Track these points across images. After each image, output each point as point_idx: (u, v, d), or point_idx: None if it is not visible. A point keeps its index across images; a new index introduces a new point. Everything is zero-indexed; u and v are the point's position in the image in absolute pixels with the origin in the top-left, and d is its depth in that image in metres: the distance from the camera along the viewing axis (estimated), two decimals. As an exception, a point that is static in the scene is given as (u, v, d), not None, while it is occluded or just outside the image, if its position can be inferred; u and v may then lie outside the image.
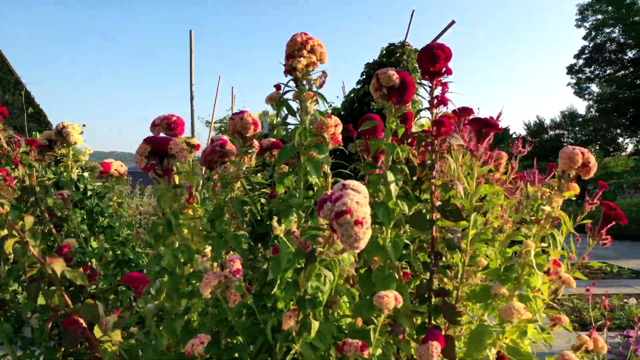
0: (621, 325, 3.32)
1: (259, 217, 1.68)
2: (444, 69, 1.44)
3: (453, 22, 3.57)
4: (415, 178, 1.48)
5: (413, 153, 1.66)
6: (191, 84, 4.24)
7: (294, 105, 1.42)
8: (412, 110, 4.57)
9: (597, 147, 26.02)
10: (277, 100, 1.40)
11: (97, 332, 1.57)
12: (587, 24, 24.60)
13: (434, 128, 1.40)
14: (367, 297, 1.46)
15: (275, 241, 1.54)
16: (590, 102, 25.59)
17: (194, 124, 4.34)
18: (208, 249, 1.66)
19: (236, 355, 1.47)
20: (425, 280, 1.52)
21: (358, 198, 0.95)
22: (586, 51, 24.88)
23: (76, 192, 1.92)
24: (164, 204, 1.44)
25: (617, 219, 1.54)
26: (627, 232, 8.52)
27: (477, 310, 1.66)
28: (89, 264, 1.83)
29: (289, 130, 1.41)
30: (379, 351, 1.47)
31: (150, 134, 1.63)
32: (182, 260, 1.46)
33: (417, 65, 5.33)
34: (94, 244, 1.99)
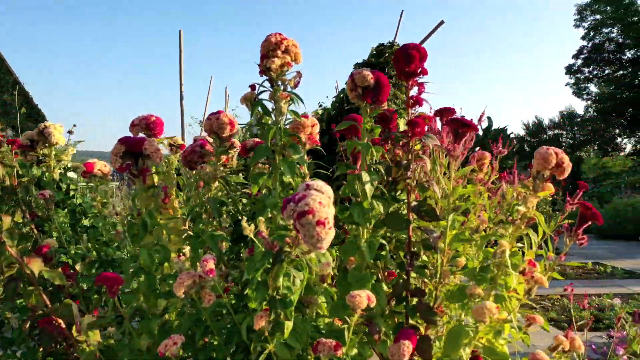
0: (610, 325, 3.32)
1: (240, 217, 1.68)
2: (420, 69, 1.44)
3: (442, 22, 3.58)
4: (391, 178, 1.48)
5: (397, 153, 1.67)
6: (181, 84, 4.24)
7: (271, 105, 1.42)
8: (403, 111, 4.54)
9: (596, 147, 26.02)
10: (251, 100, 1.40)
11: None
12: (585, 24, 24.58)
13: (409, 128, 1.40)
14: (344, 297, 1.46)
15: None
16: (589, 102, 25.58)
17: (184, 124, 4.36)
18: (187, 249, 1.67)
19: (213, 355, 1.47)
20: (401, 280, 1.52)
21: (321, 198, 0.96)
22: (585, 51, 24.86)
23: (58, 192, 1.92)
24: (140, 204, 1.45)
25: (593, 219, 1.55)
26: (624, 232, 8.51)
27: (457, 310, 1.67)
28: (71, 264, 1.83)
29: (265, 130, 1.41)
30: (354, 351, 1.47)
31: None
32: (158, 260, 1.46)
33: None
34: (80, 244, 1.99)
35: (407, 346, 1.25)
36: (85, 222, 1.98)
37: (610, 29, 24.12)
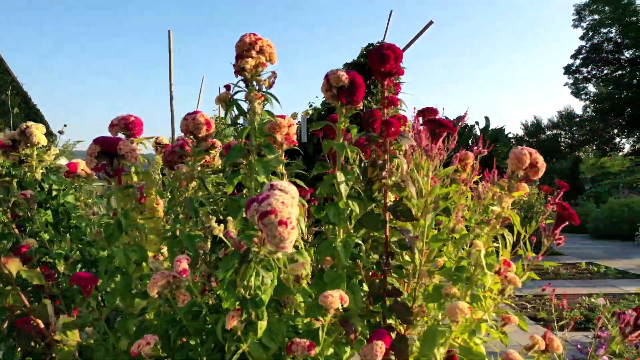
0: (603, 325, 3.32)
1: (221, 217, 1.69)
2: (395, 69, 1.44)
3: (431, 22, 3.59)
4: (367, 179, 1.48)
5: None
6: (170, 84, 4.25)
7: (246, 105, 1.43)
8: (392, 111, 4.54)
9: (594, 147, 26.04)
10: (226, 100, 1.40)
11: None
12: (584, 24, 24.61)
13: (383, 128, 1.40)
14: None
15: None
16: (587, 102, 25.61)
17: (175, 124, 4.37)
18: (165, 249, 1.67)
19: (190, 354, 1.47)
20: (378, 280, 1.52)
21: (284, 198, 0.96)
22: (583, 51, 24.88)
23: (40, 192, 1.92)
24: (116, 204, 1.45)
25: (570, 219, 1.55)
26: (619, 232, 8.52)
27: (435, 310, 1.67)
28: (51, 264, 1.84)
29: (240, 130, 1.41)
30: (330, 350, 1.48)
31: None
32: (135, 260, 1.46)
33: None
34: (62, 244, 1.99)
35: (380, 347, 1.25)
36: (70, 222, 1.99)
37: (608, 29, 24.14)
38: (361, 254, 1.50)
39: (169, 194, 1.79)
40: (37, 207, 1.90)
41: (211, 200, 1.69)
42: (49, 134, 2.04)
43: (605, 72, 24.69)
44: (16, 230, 1.85)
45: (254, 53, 1.36)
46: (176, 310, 1.39)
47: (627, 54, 24.05)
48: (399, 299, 1.50)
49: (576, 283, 4.87)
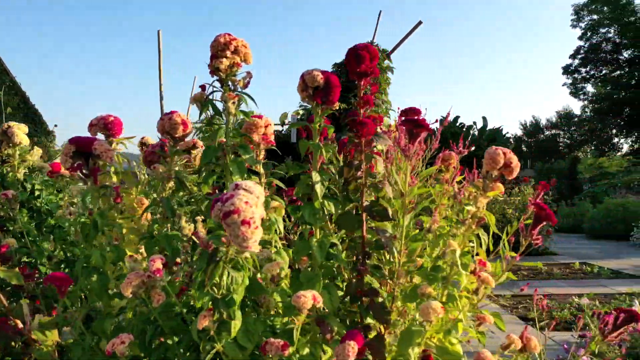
0: (586, 325, 3.32)
1: (203, 217, 1.69)
2: (371, 69, 1.44)
3: (420, 22, 3.58)
4: (343, 179, 1.48)
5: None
6: (160, 84, 4.27)
7: (222, 105, 1.43)
8: (381, 111, 4.58)
9: (593, 147, 26.05)
10: (201, 100, 1.41)
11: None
12: (582, 24, 24.63)
13: (357, 129, 1.40)
14: (295, 297, 1.47)
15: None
16: (586, 102, 25.62)
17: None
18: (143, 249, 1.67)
19: (166, 354, 1.47)
20: (355, 280, 1.53)
21: (248, 198, 0.96)
22: (582, 51, 24.89)
23: (22, 192, 1.92)
24: (93, 204, 1.45)
25: (547, 219, 1.55)
26: (615, 232, 8.52)
27: (414, 310, 1.67)
28: (33, 264, 1.84)
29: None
30: (306, 350, 1.48)
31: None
32: (111, 260, 1.46)
33: (384, 65, 5.37)
34: (44, 244, 1.99)
35: (352, 347, 1.25)
36: (52, 221, 1.99)
37: (607, 29, 24.16)
38: (337, 254, 1.50)
39: (154, 194, 1.79)
40: (20, 207, 1.90)
41: (193, 200, 1.69)
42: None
43: (603, 72, 24.71)
44: (-3, 230, 1.85)
45: (228, 53, 1.36)
46: (151, 310, 1.39)
47: (626, 54, 24.07)
48: (375, 299, 1.50)
49: (569, 283, 4.87)
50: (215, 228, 1.32)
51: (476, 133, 13.52)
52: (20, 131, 1.88)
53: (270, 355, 1.31)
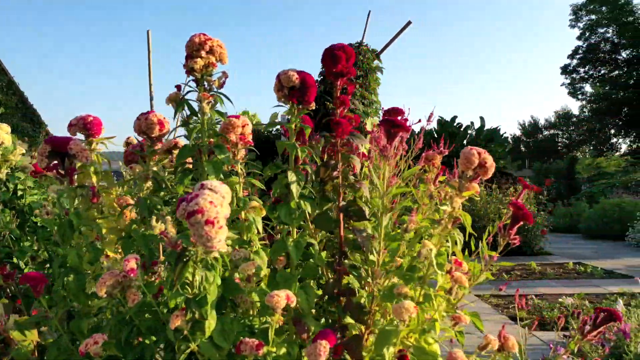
0: (568, 325, 3.33)
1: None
2: (347, 69, 1.45)
3: (409, 22, 3.58)
4: (319, 178, 1.48)
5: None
6: (150, 84, 4.27)
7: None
8: (371, 111, 4.55)
9: (591, 148, 26.06)
10: (177, 100, 1.41)
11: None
12: (581, 24, 24.62)
13: (333, 128, 1.40)
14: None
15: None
16: (584, 102, 25.64)
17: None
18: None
19: (143, 353, 1.47)
20: (332, 280, 1.53)
21: (213, 198, 0.96)
22: (580, 51, 24.89)
23: (4, 192, 1.92)
24: (69, 204, 1.45)
25: (524, 219, 1.55)
26: (611, 232, 8.52)
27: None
28: (14, 263, 1.84)
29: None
30: (283, 350, 1.48)
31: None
32: (88, 260, 1.46)
33: (373, 65, 5.37)
34: (27, 244, 1.99)
35: (324, 346, 1.25)
36: (38, 221, 1.99)
37: (605, 29, 24.16)
38: (314, 253, 1.50)
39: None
40: (2, 207, 1.90)
41: (174, 200, 1.69)
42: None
43: (602, 72, 24.71)
44: (-21, 230, 1.85)
45: (203, 53, 1.36)
46: (127, 310, 1.39)
47: (624, 53, 24.07)
48: (352, 299, 1.50)
49: (561, 283, 4.87)
50: (187, 227, 1.33)
51: (473, 133, 13.53)
52: (2, 131, 1.88)
53: (246, 355, 1.32)
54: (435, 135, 13.30)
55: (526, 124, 28.70)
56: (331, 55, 1.42)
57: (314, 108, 1.52)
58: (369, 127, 1.75)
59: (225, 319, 1.40)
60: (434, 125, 13.89)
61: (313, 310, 1.69)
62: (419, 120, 2.03)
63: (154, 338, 1.48)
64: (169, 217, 1.12)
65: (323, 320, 1.69)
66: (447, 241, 1.51)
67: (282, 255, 1.49)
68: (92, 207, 1.48)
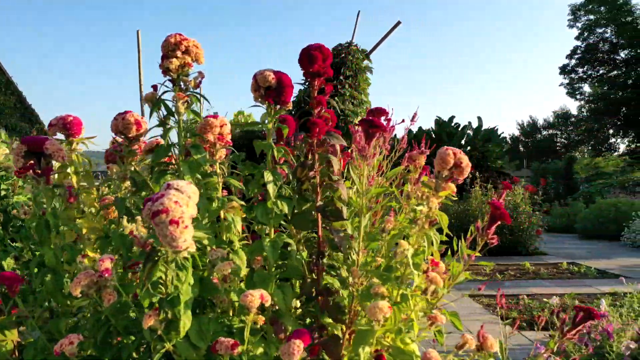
0: (549, 323, 3.33)
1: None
2: (324, 69, 1.45)
3: (399, 22, 3.58)
4: (296, 178, 1.49)
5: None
6: (140, 84, 4.26)
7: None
8: (362, 111, 4.53)
9: (590, 148, 26.07)
10: (153, 100, 1.41)
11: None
12: (579, 24, 24.64)
13: (309, 128, 1.40)
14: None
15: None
16: (582, 102, 25.65)
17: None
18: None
19: (120, 353, 1.47)
20: (309, 280, 1.53)
21: (178, 198, 0.96)
22: (578, 51, 24.91)
23: (-13, 192, 1.92)
24: (46, 204, 1.45)
25: (502, 219, 1.55)
26: (606, 232, 8.51)
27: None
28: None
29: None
30: (260, 350, 1.48)
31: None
32: (65, 260, 1.47)
33: (363, 65, 5.37)
34: (17, 244, 1.99)
35: (298, 345, 1.26)
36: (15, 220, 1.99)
37: (604, 29, 24.17)
38: (292, 253, 1.51)
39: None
40: (-15, 207, 1.90)
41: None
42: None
43: (600, 72, 24.72)
44: (-39, 230, 1.86)
45: (179, 53, 1.37)
46: (103, 310, 1.39)
47: (623, 54, 24.08)
48: (330, 298, 1.51)
49: (554, 283, 4.87)
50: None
51: (471, 133, 13.52)
52: (-16, 131, 1.88)
53: (221, 354, 1.32)
54: (433, 136, 13.30)
55: (525, 124, 28.71)
56: (308, 56, 1.42)
57: (296, 108, 1.53)
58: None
59: (203, 318, 1.40)
60: (431, 125, 13.91)
61: (300, 310, 1.69)
62: (403, 121, 2.03)
63: (133, 338, 1.48)
64: (139, 217, 1.12)
65: (309, 320, 1.69)
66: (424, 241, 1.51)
67: (259, 255, 1.49)
68: (72, 207, 1.48)
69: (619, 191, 12.59)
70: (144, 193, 1.69)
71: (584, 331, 2.45)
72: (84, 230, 1.66)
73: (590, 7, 23.90)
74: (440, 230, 1.52)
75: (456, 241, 1.65)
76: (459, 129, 13.41)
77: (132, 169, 1.54)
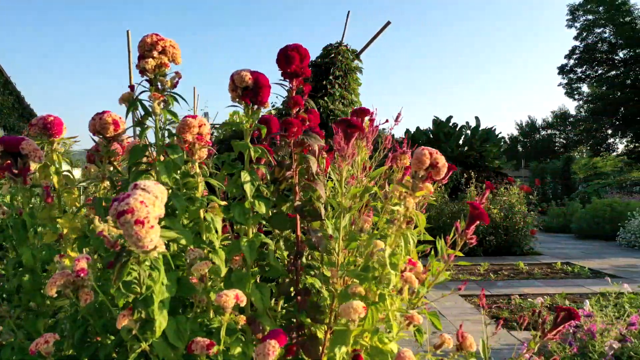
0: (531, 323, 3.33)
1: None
2: (301, 69, 1.45)
3: (389, 22, 3.58)
4: (273, 178, 1.49)
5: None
6: (130, 85, 4.25)
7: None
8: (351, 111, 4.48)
9: (588, 148, 26.08)
10: (129, 100, 1.41)
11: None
12: (577, 24, 24.64)
13: (286, 128, 1.41)
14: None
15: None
16: (581, 102, 25.65)
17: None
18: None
19: (97, 353, 1.48)
20: (287, 280, 1.53)
21: (145, 198, 0.96)
22: (577, 51, 24.91)
23: (-30, 192, 1.92)
24: (23, 204, 1.45)
25: (480, 219, 1.55)
26: (602, 232, 8.53)
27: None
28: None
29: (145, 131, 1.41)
30: (238, 350, 1.48)
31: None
32: (42, 260, 1.47)
33: (353, 65, 5.37)
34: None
35: (273, 345, 1.26)
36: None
37: (602, 29, 24.17)
38: (269, 253, 1.51)
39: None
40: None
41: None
42: None
43: (599, 72, 24.72)
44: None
45: (155, 53, 1.37)
46: (80, 309, 1.39)
47: (621, 54, 24.08)
48: (308, 298, 1.51)
49: (547, 283, 4.87)
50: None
51: (469, 133, 13.52)
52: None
53: (197, 354, 1.32)
54: (431, 136, 13.31)
55: (523, 124, 28.72)
56: (285, 56, 1.43)
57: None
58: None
59: (180, 318, 1.40)
60: (429, 125, 13.92)
61: (284, 311, 1.70)
62: (387, 121, 2.03)
63: (112, 337, 1.48)
64: (109, 217, 1.12)
65: (294, 320, 1.70)
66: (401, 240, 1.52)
67: (237, 254, 1.49)
68: (52, 207, 1.48)
69: (617, 191, 12.59)
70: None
71: (570, 331, 2.45)
72: (65, 230, 1.66)
73: (588, 7, 23.90)
74: (428, 230, 1.53)
75: (438, 241, 1.66)
76: (457, 129, 13.42)
77: (112, 169, 1.54)
